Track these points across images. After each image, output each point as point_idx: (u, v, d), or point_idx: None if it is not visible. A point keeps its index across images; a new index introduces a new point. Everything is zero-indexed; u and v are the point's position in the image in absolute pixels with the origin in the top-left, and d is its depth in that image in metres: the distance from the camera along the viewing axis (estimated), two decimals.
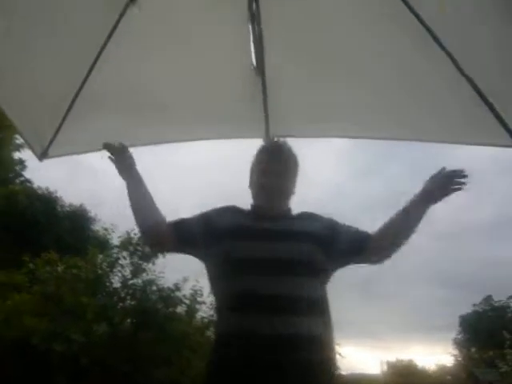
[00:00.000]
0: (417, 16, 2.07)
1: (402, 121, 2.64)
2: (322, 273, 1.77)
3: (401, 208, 1.85)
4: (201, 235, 1.83)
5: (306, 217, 1.94)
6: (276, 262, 1.69)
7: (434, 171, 1.84)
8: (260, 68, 2.43)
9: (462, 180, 1.78)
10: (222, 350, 1.67)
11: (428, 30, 2.09)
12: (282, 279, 1.66)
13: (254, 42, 2.33)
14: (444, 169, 1.81)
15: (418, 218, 1.83)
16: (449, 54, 2.15)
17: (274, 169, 1.89)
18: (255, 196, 1.96)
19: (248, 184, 2.00)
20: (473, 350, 20.70)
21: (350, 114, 2.67)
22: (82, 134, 2.65)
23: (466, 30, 2.12)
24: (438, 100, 2.47)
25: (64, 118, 2.49)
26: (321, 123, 2.73)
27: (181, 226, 1.88)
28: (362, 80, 2.52)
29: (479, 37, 2.12)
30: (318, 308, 1.70)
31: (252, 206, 1.98)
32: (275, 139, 2.01)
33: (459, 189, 1.79)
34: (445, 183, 1.80)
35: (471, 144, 2.67)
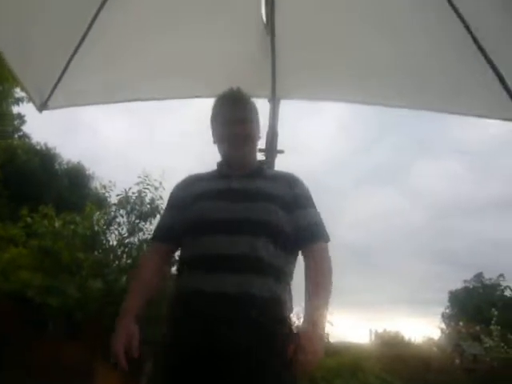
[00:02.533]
0: None
1: (408, 89, 2.60)
2: (282, 236, 1.71)
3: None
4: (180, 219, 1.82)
5: (279, 177, 1.88)
6: (234, 222, 1.67)
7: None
8: (270, 27, 2.36)
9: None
10: (175, 308, 1.70)
11: None
12: (237, 239, 1.64)
13: None
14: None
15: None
16: (464, 23, 2.09)
17: (237, 116, 1.85)
18: (222, 148, 1.90)
19: (212, 140, 1.94)
20: (460, 323, 21.14)
21: (357, 78, 2.63)
22: (82, 86, 2.63)
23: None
24: (449, 70, 2.42)
25: (64, 70, 2.45)
26: (327, 86, 2.68)
27: (164, 232, 1.89)
28: (372, 45, 2.47)
29: (497, 11, 2.06)
30: (274, 269, 1.66)
31: (218, 163, 1.94)
32: (230, 88, 1.92)
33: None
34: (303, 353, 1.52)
35: (478, 116, 2.63)
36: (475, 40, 2.12)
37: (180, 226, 1.79)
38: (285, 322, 1.66)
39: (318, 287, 1.65)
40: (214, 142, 1.93)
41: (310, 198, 1.84)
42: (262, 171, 1.92)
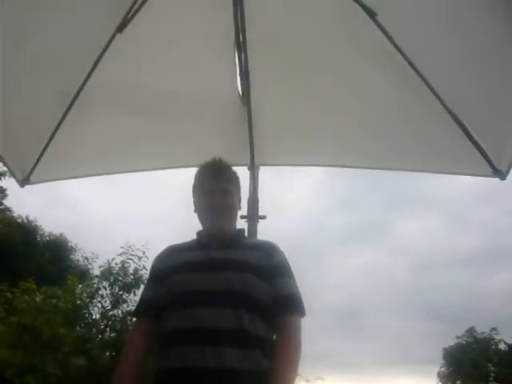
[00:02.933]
0: (397, 48, 2.12)
1: (380, 151, 2.67)
2: (263, 307, 1.68)
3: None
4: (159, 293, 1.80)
5: (258, 246, 1.87)
6: (214, 293, 1.64)
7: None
8: (246, 97, 2.45)
9: None
10: None
11: (409, 62, 2.14)
12: (219, 311, 1.61)
13: (240, 71, 2.35)
14: None
15: None
16: (428, 85, 2.20)
17: (217, 187, 1.86)
18: (202, 218, 1.90)
19: (193, 209, 1.95)
20: (458, 382, 20.54)
21: (333, 143, 2.71)
22: (63, 161, 2.65)
23: (447, 63, 2.18)
24: (418, 130, 2.50)
25: (46, 145, 2.48)
26: (303, 152, 2.76)
27: (144, 307, 1.86)
28: (344, 111, 2.56)
29: (461, 70, 2.18)
30: (259, 341, 1.63)
31: (198, 232, 1.94)
32: (212, 158, 1.94)
33: None
34: None
35: (451, 173, 2.71)
36: (440, 100, 2.23)
37: (160, 299, 1.76)
38: None
39: (284, 367, 1.60)
40: (195, 211, 1.94)
41: (288, 268, 1.82)
42: (241, 240, 1.91)
